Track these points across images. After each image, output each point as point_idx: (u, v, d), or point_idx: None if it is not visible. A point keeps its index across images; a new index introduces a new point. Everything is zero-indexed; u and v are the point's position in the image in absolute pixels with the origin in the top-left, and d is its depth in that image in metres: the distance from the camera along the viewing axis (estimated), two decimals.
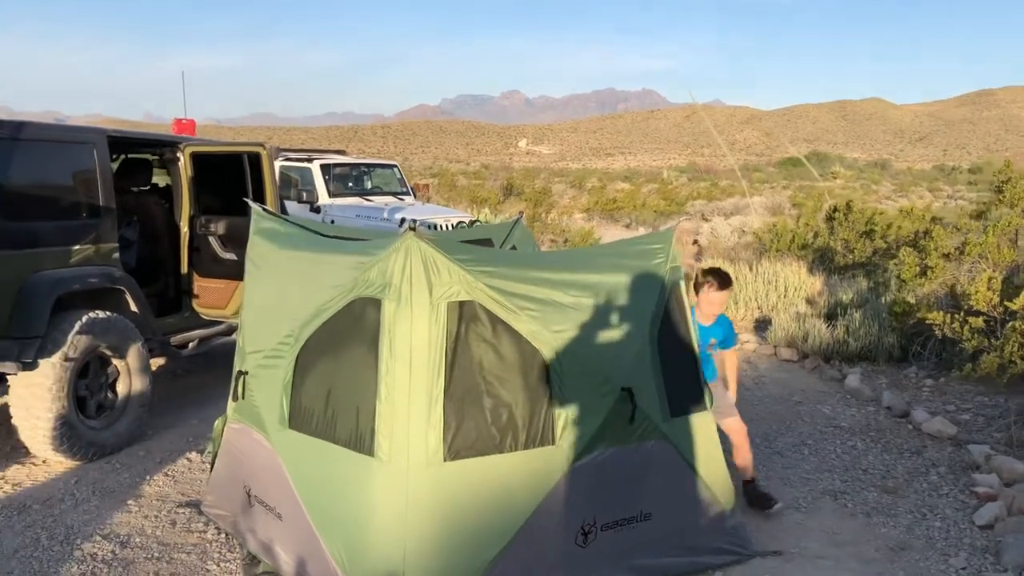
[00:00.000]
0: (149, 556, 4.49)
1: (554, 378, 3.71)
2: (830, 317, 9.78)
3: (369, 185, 13.60)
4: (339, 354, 3.71)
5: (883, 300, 9.63)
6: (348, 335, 3.68)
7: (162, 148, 6.98)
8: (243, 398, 4.30)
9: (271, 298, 4.22)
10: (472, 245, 4.89)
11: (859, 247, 12.20)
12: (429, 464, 3.50)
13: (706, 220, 29.14)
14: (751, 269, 12.06)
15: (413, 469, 3.47)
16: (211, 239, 6.79)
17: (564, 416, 3.74)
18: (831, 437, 6.64)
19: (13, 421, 5.53)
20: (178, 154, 6.81)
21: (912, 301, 8.39)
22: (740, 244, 19.15)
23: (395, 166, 14.18)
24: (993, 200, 8.66)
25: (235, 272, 6.64)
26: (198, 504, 5.08)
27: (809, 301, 11.01)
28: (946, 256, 7.88)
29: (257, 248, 4.54)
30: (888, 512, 5.17)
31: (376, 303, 3.54)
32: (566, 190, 45.92)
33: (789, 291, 11.33)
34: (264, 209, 4.80)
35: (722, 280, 5.34)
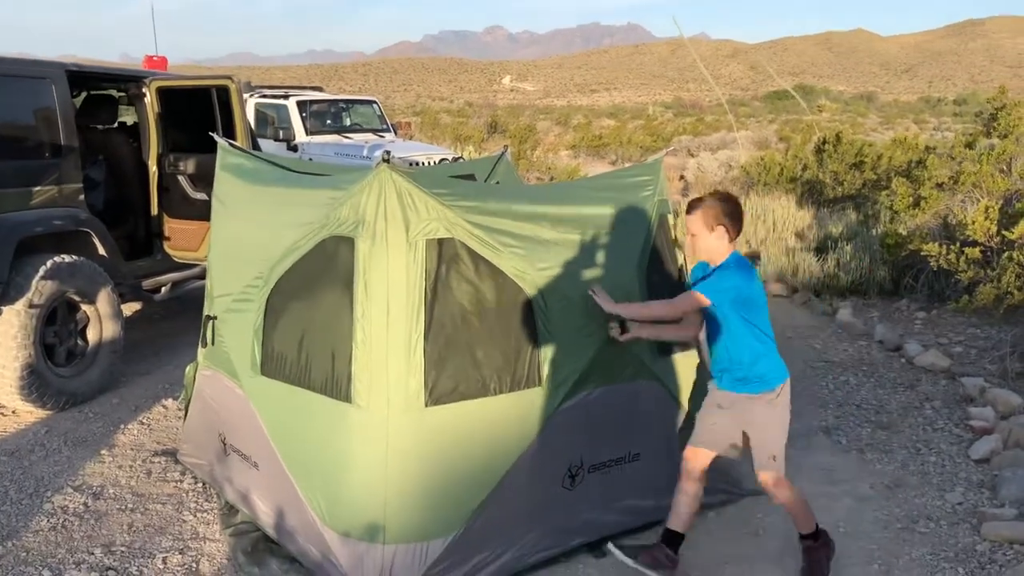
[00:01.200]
0: (123, 507, 4.33)
1: (539, 317, 3.53)
2: (820, 251, 9.62)
3: (348, 122, 13.23)
4: (312, 296, 3.50)
5: (874, 232, 9.47)
6: (320, 276, 3.46)
7: (127, 83, 6.65)
8: (212, 344, 4.10)
9: (238, 238, 4.00)
10: (454, 179, 4.67)
11: (849, 179, 12.01)
12: (409, 410, 3.32)
13: (692, 155, 28.87)
14: (744, 204, 11.86)
15: (393, 415, 3.29)
16: (180, 178, 6.51)
17: (550, 356, 3.57)
18: (823, 372, 6.52)
19: None
20: (144, 89, 6.48)
21: (904, 233, 8.22)
22: (727, 179, 18.93)
23: (374, 102, 13.78)
24: (981, 130, 8.43)
25: (206, 213, 6.35)
26: (174, 453, 4.92)
27: (799, 235, 10.83)
28: (939, 186, 7.68)
29: (223, 185, 4.30)
30: (882, 448, 5.07)
31: (349, 242, 3.31)
32: (551, 127, 45.36)
33: (778, 225, 11.14)
34: (231, 144, 4.54)
35: (691, 203, 3.75)
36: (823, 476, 4.72)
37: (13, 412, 5.55)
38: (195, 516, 4.25)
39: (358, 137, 12.46)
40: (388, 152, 3.30)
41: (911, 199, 7.67)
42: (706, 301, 3.45)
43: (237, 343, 3.85)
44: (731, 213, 3.49)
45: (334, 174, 4.38)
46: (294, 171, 4.45)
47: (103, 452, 5.00)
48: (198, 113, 6.55)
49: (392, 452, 3.32)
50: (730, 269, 3.48)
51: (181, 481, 4.63)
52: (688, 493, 3.67)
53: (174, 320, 7.81)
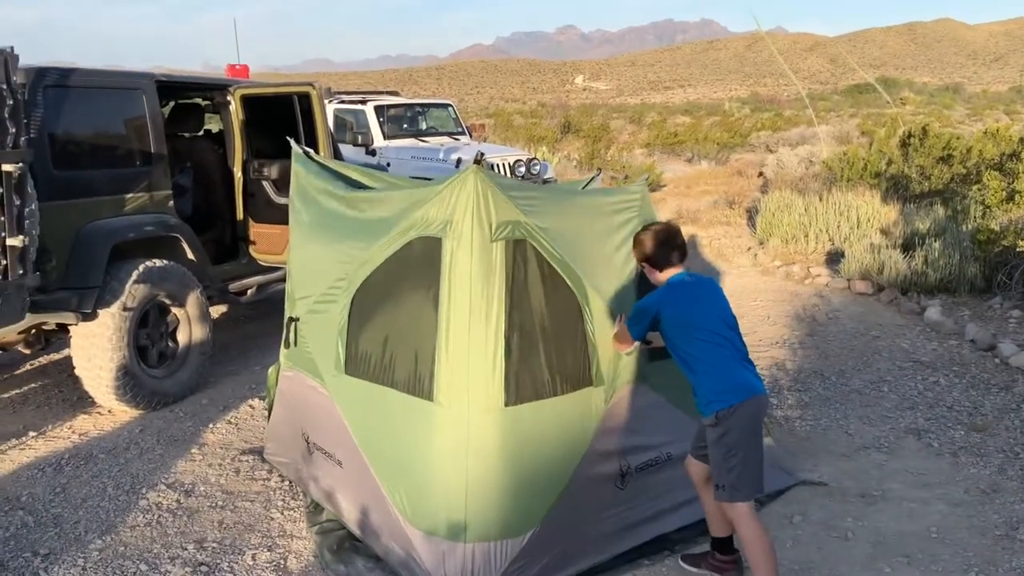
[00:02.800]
0: (213, 504, 4.46)
1: (587, 320, 3.61)
2: (907, 248, 9.32)
3: (424, 126, 13.37)
4: (396, 296, 3.55)
5: (964, 228, 9.15)
6: (405, 276, 3.51)
7: (212, 92, 6.84)
8: (295, 345, 4.18)
9: (319, 241, 4.07)
10: (522, 182, 4.69)
11: (936, 173, 11.62)
12: (490, 409, 3.35)
13: (771, 151, 28.31)
14: (821, 200, 11.59)
15: (474, 415, 3.33)
16: (265, 184, 6.67)
17: (596, 356, 3.63)
18: (912, 373, 6.33)
19: (76, 371, 5.55)
20: (228, 97, 6.66)
21: (997, 228, 7.92)
22: (808, 175, 18.51)
23: (450, 105, 13.90)
24: None
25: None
26: (261, 452, 5.03)
27: (883, 231, 10.52)
28: None
29: (300, 189, 4.38)
30: (977, 451, 4.89)
31: (436, 242, 3.36)
32: (625, 126, 45.07)
33: (862, 222, 10.84)
34: (304, 151, 4.63)
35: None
36: (914, 480, 4.58)
37: (109, 411, 5.76)
38: (282, 514, 4.35)
39: (434, 140, 12.58)
40: (481, 153, 3.33)
41: (1004, 193, 7.37)
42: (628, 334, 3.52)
43: (320, 344, 3.92)
44: (652, 248, 3.49)
45: (402, 183, 4.44)
46: (363, 183, 4.50)
47: (194, 450, 5.15)
48: (281, 120, 6.70)
49: (472, 451, 3.35)
50: (651, 296, 3.50)
51: (268, 479, 4.74)
52: (705, 500, 3.63)
53: (259, 322, 8.01)
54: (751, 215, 13.90)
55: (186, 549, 4.00)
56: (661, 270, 3.49)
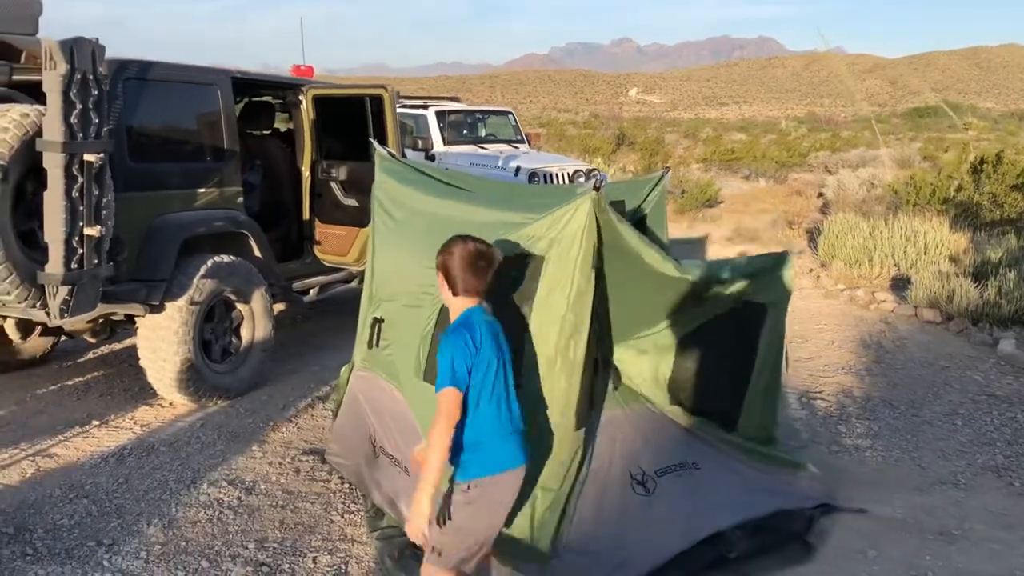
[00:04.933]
0: (274, 504, 4.43)
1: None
2: (978, 277, 9.05)
3: (483, 133, 13.34)
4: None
5: None
6: (499, 289, 3.43)
7: (285, 91, 6.87)
8: (377, 346, 4.13)
9: (408, 243, 4.01)
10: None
11: (1010, 201, 11.28)
12: (563, 427, 3.30)
13: (830, 172, 27.86)
14: (886, 224, 11.32)
15: (548, 430, 3.26)
16: (333, 184, 6.68)
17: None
18: (986, 407, 6.10)
19: (141, 363, 5.58)
20: (301, 97, 6.68)
21: None
22: (870, 197, 18.16)
23: (510, 113, 13.87)
24: None
25: (357, 218, 6.52)
26: (322, 452, 4.99)
27: (953, 259, 10.24)
28: None
29: (388, 191, 4.32)
30: None
31: (538, 260, 3.27)
32: (679, 140, 44.70)
33: (930, 248, 10.56)
34: (389, 152, 4.59)
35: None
36: (995, 520, 4.39)
37: (171, 404, 5.78)
38: (343, 517, 4.30)
39: (493, 148, 12.55)
40: (601, 180, 3.25)
41: None
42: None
43: (402, 347, 3.86)
44: (457, 261, 2.89)
45: (497, 189, 4.39)
46: (450, 184, 4.44)
47: (254, 448, 5.14)
48: (351, 121, 6.70)
49: (544, 464, 3.30)
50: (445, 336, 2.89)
51: (328, 481, 4.70)
52: None
53: (317, 322, 8.03)
54: (812, 236, 13.64)
55: (247, 548, 3.97)
56: (458, 294, 2.94)
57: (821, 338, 8.06)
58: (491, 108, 14.33)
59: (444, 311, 3.55)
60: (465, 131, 13.00)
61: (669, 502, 3.83)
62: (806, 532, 4.16)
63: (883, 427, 5.69)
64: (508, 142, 13.08)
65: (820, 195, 20.55)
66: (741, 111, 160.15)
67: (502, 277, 3.34)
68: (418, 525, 2.78)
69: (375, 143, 4.63)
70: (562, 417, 3.28)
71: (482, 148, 12.49)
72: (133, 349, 6.65)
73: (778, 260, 4.20)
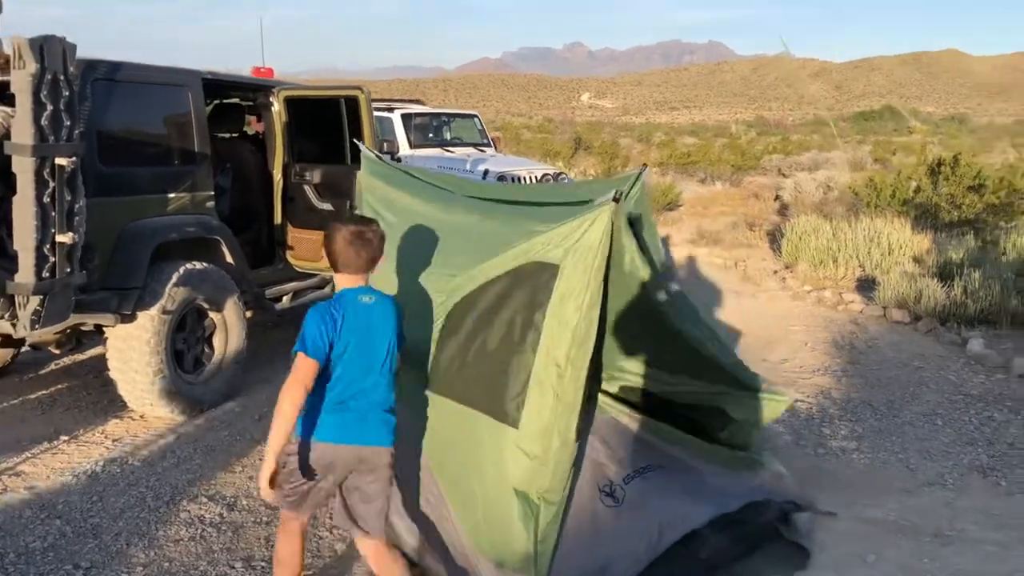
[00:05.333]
0: (258, 520, 4.28)
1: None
2: (943, 277, 9.17)
3: (448, 136, 13.22)
4: (493, 314, 3.36)
5: (1005, 259, 9.01)
6: (509, 296, 3.33)
7: (255, 93, 6.69)
8: None
9: (410, 248, 3.89)
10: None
11: (967, 203, 11.48)
12: (569, 437, 3.21)
13: (784, 175, 28.21)
14: (849, 225, 11.45)
15: (556, 441, 3.17)
16: (306, 188, 6.51)
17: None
18: (963, 407, 6.16)
19: (111, 374, 5.37)
20: (272, 99, 6.51)
21: None
22: (827, 199, 18.40)
23: (475, 116, 13.75)
24: None
25: (331, 222, 6.36)
26: None
27: (916, 260, 10.38)
28: None
29: (379, 193, 4.19)
30: None
31: (551, 269, 3.18)
32: (633, 144, 44.98)
33: (894, 249, 10.70)
34: (376, 155, 4.46)
35: None
36: (986, 520, 4.39)
37: (141, 417, 5.58)
38: (331, 532, 4.17)
39: (459, 151, 12.44)
40: (620, 192, 3.17)
41: None
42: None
43: (408, 354, 3.74)
44: (337, 240, 3.08)
45: (494, 194, 4.28)
46: (443, 187, 4.33)
47: (233, 461, 4.97)
48: (325, 124, 6.55)
49: (552, 480, 3.21)
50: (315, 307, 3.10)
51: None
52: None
53: (287, 329, 7.81)
54: (773, 238, 13.77)
55: (234, 568, 3.82)
56: (340, 271, 3.15)
57: (794, 339, 8.10)
58: (456, 111, 14.22)
59: (449, 317, 3.45)
60: (431, 134, 12.87)
61: (639, 508, 3.80)
62: (783, 525, 4.15)
63: (866, 429, 5.70)
64: (474, 145, 12.97)
65: (777, 198, 20.77)
66: (691, 115, 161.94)
67: (512, 285, 3.25)
68: (262, 480, 3.05)
69: (361, 145, 4.50)
70: (568, 427, 3.19)
71: (448, 151, 12.37)
72: (98, 360, 6.44)
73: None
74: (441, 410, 3.48)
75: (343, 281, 3.12)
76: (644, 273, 3.59)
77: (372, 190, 4.21)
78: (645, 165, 5.36)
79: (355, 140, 4.69)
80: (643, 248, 3.60)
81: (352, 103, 6.34)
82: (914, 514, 4.45)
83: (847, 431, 5.66)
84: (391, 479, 3.25)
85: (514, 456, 3.18)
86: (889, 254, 10.64)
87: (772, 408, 4.20)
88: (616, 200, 3.08)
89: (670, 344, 3.93)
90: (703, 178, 26.84)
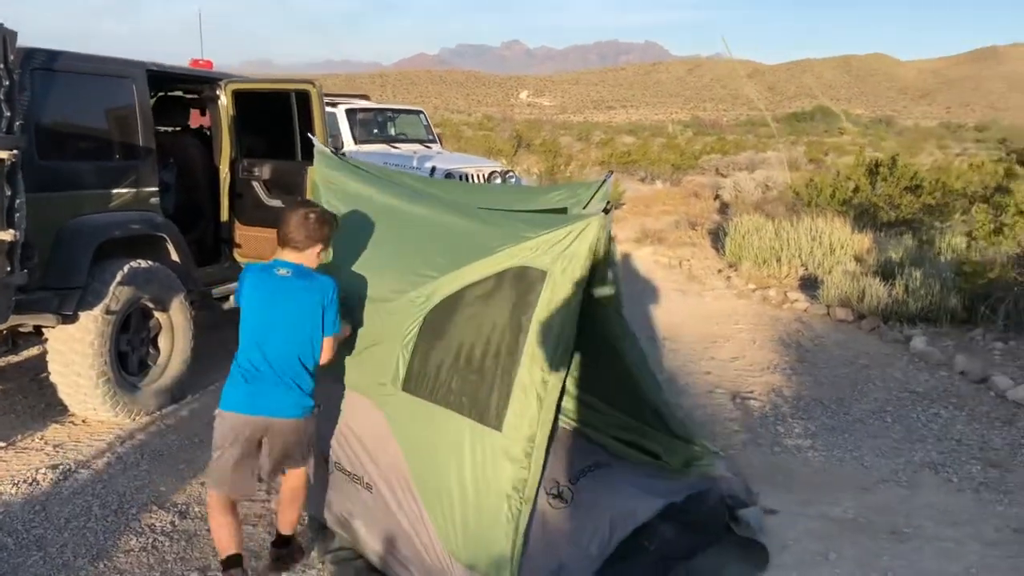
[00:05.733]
0: (210, 528, 4.11)
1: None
2: (884, 276, 9.35)
3: (393, 132, 13.03)
4: (476, 318, 3.30)
5: (942, 258, 9.23)
6: (492, 300, 3.29)
7: (201, 85, 6.48)
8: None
9: (370, 246, 3.78)
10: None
11: (905, 203, 11.75)
12: (542, 446, 3.18)
13: (722, 175, 28.63)
14: (792, 224, 11.63)
15: (536, 449, 3.12)
16: (255, 184, 6.33)
17: None
18: (910, 404, 6.27)
19: (51, 378, 5.15)
20: (218, 92, 6.31)
21: (979, 261, 7.98)
22: (766, 199, 18.70)
23: (421, 112, 13.59)
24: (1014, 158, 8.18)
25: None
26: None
27: (857, 259, 10.58)
28: (1019, 213, 7.44)
29: (337, 189, 4.07)
30: (999, 488, 4.81)
31: (539, 274, 3.18)
32: (572, 143, 45.19)
33: (835, 248, 10.89)
34: (333, 150, 4.34)
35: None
36: (941, 517, 4.46)
37: (83, 421, 5.36)
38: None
39: (405, 147, 12.27)
40: (611, 205, 3.22)
41: (992, 226, 7.43)
42: None
43: (370, 355, 3.62)
44: (284, 220, 3.47)
45: (464, 194, 4.21)
46: (403, 184, 4.23)
47: (182, 467, 4.79)
48: (274, 118, 6.37)
49: (529, 487, 3.15)
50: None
51: (268, 501, 4.41)
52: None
53: (229, 329, 7.56)
54: (716, 237, 13.92)
55: None
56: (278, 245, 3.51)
57: (742, 337, 8.17)
58: (402, 107, 14.00)
59: (429, 318, 3.37)
60: (376, 130, 12.67)
61: (589, 506, 3.79)
62: (733, 522, 4.17)
63: (819, 426, 5.76)
64: (420, 142, 12.82)
65: (717, 197, 21.05)
66: (628, 115, 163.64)
67: (495, 289, 3.20)
68: None
69: (315, 140, 4.37)
70: (546, 431, 3.15)
71: (394, 147, 12.18)
72: (33, 362, 6.19)
73: None
74: (417, 412, 3.39)
75: (277, 252, 3.48)
76: (607, 291, 3.58)
77: (329, 185, 4.09)
78: (611, 172, 5.32)
79: (309, 135, 4.55)
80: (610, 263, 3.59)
81: (303, 97, 6.18)
82: (871, 511, 4.51)
83: (801, 429, 5.71)
84: (305, 449, 3.50)
85: (496, 460, 3.11)
86: (831, 253, 10.83)
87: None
88: (606, 211, 3.14)
89: (613, 372, 4.01)
90: (643, 177, 27.10)
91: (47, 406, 5.55)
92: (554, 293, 3.11)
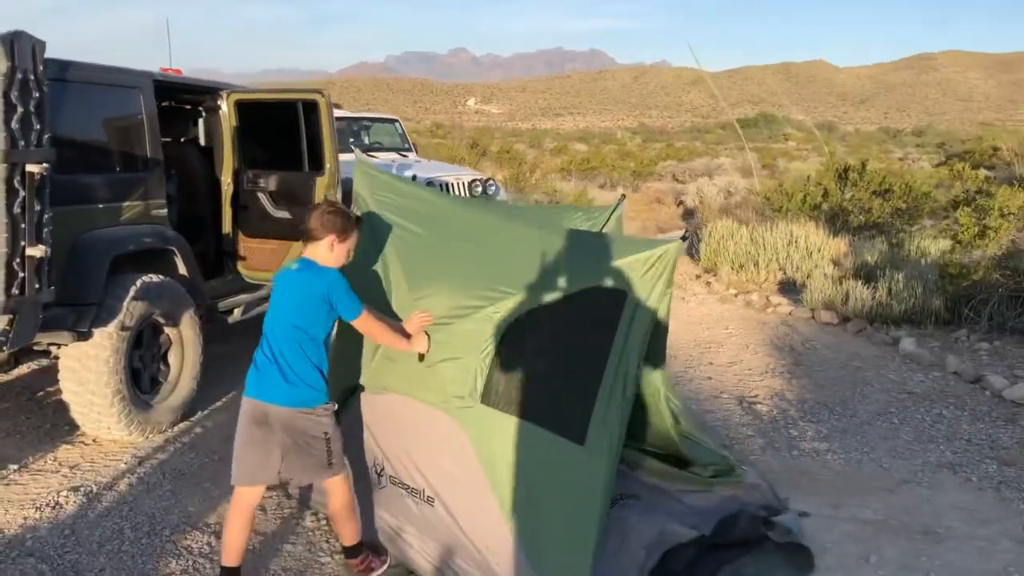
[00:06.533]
0: (251, 547, 4.01)
1: None
2: (867, 279, 9.54)
3: (368, 140, 12.92)
4: (557, 334, 3.37)
5: (922, 261, 9.45)
6: (573, 318, 3.39)
7: (203, 96, 6.35)
8: (392, 361, 3.81)
9: (430, 263, 3.75)
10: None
11: (875, 207, 12.01)
12: (616, 458, 3.20)
13: (679, 181, 28.99)
14: (769, 230, 11.80)
15: (615, 461, 3.15)
16: (260, 195, 6.22)
17: None
18: (912, 405, 6.40)
19: (64, 397, 4.99)
20: (219, 102, 6.20)
21: (961, 263, 8.19)
22: (730, 204, 18.98)
23: (396, 121, 13.48)
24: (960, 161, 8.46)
25: (289, 232, 6.10)
26: (284, 487, 4.59)
27: (835, 262, 10.79)
28: (1002, 216, 7.66)
29: (384, 200, 4.04)
30: (1018, 486, 4.92)
31: (619, 295, 3.32)
32: (526, 150, 45.29)
33: (813, 252, 11.09)
34: (373, 167, 4.29)
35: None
36: (969, 517, 4.56)
37: (94, 441, 5.20)
38: (332, 558, 3.97)
39: (382, 156, 12.16)
40: (687, 232, 3.42)
41: (976, 229, 7.63)
42: None
43: (443, 370, 3.57)
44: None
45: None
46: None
47: (207, 485, 4.68)
48: (280, 129, 6.26)
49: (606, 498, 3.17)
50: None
51: (302, 518, 4.34)
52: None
53: (231, 343, 7.44)
54: (688, 243, 14.07)
55: None
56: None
57: (734, 342, 8.27)
58: (376, 115, 13.86)
59: (508, 334, 3.36)
60: (351, 139, 12.53)
61: (623, 534, 3.77)
62: (770, 530, 4.20)
63: (830, 429, 5.84)
64: (396, 150, 12.72)
65: (680, 203, 21.32)
66: (575, 122, 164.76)
67: (576, 308, 3.23)
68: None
69: (358, 152, 4.32)
70: (620, 447, 3.19)
71: (371, 156, 12.06)
72: (24, 380, 6.04)
73: None
74: (497, 424, 3.36)
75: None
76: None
77: (385, 200, 4.05)
78: (623, 196, 5.38)
79: (353, 147, 4.49)
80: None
81: (311, 107, 6.08)
82: (900, 512, 4.58)
83: (813, 432, 5.79)
84: (323, 455, 3.49)
85: (577, 472, 3.12)
86: (809, 257, 11.02)
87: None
88: (684, 239, 3.36)
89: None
90: (603, 184, 27.27)
91: (52, 426, 5.40)
92: (636, 313, 3.23)
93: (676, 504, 4.19)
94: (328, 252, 3.47)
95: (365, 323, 3.48)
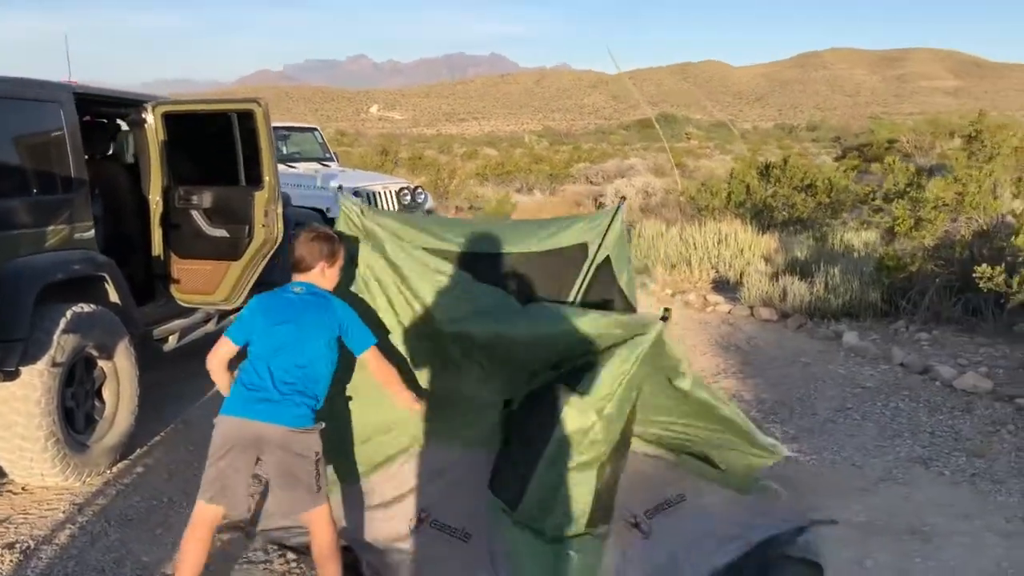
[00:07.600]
0: None
1: None
2: (802, 274, 9.64)
3: (286, 150, 12.45)
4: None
5: (853, 254, 9.60)
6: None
7: (126, 108, 5.91)
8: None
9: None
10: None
11: (799, 202, 12.20)
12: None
13: (592, 183, 29.18)
14: (700, 229, 11.86)
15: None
16: (194, 213, 5.81)
17: None
18: (868, 399, 6.41)
19: None
20: (145, 115, 5.77)
21: (898, 254, 8.32)
22: (649, 205, 19.14)
23: (315, 130, 13.02)
24: (964, 150, 8.69)
25: (226, 251, 5.73)
26: (241, 528, 4.23)
27: (766, 259, 10.89)
28: (935, 208, 7.80)
29: (383, 245, 3.84)
30: (991, 478, 4.93)
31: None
32: (436, 156, 45.01)
33: (743, 249, 11.17)
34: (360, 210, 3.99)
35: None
36: (949, 512, 4.53)
37: (23, 489, 4.74)
38: None
39: (304, 167, 11.73)
40: (667, 310, 3.48)
41: (912, 221, 7.76)
42: None
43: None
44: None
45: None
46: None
47: (159, 531, 4.29)
48: (213, 142, 5.87)
49: None
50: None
51: (270, 561, 4.01)
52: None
53: (164, 370, 6.97)
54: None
55: None
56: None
57: (681, 343, 8.20)
58: (293, 124, 13.39)
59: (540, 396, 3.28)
60: None
61: (667, 545, 3.71)
62: (791, 545, 4.11)
63: (797, 429, 5.79)
64: (317, 160, 12.31)
65: (600, 205, 21.38)
66: (480, 126, 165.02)
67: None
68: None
69: (343, 197, 4.00)
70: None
71: (292, 167, 11.63)
72: None
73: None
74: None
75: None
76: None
77: (376, 244, 3.86)
78: (623, 199, 5.19)
79: (340, 191, 4.22)
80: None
81: (246, 118, 5.71)
82: (882, 513, 4.52)
83: (780, 433, 5.70)
84: (313, 481, 3.33)
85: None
86: (740, 254, 11.10)
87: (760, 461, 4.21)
88: (664, 319, 3.39)
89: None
90: (519, 188, 27.21)
91: None
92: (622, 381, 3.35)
93: (720, 501, 4.11)
94: (321, 278, 3.44)
95: (376, 356, 3.46)
